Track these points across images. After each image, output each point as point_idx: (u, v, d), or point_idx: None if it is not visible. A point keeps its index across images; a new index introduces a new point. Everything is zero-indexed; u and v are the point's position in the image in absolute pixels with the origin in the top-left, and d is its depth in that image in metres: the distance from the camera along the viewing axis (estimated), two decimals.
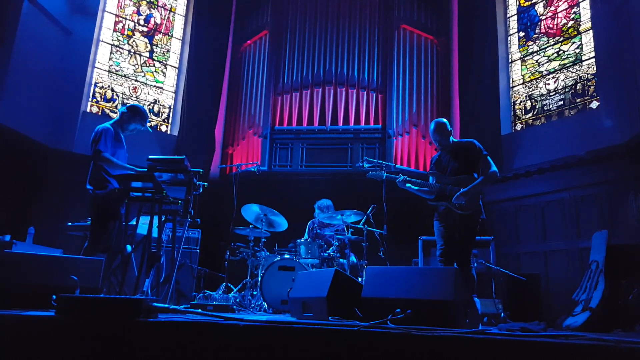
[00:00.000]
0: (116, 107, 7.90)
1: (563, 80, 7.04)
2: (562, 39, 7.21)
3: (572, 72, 6.94)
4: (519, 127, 7.48)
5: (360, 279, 4.76)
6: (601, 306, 4.00)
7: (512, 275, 5.06)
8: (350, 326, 2.01)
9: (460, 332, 1.91)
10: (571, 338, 1.81)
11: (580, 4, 7.03)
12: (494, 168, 3.79)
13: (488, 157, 3.82)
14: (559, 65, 7.15)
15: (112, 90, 8.00)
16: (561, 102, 6.99)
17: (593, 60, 6.64)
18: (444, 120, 4.03)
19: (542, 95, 7.27)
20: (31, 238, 5.38)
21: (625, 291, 4.02)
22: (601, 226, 5.35)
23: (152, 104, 8.36)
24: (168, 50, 8.76)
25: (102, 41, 7.97)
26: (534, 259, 6.48)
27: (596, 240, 4.72)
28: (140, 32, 8.50)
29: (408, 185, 3.91)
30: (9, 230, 4.93)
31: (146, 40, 8.54)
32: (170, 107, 8.57)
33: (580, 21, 7.00)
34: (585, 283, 4.47)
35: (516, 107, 7.60)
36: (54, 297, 2.18)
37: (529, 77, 7.52)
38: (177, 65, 8.77)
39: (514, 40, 7.90)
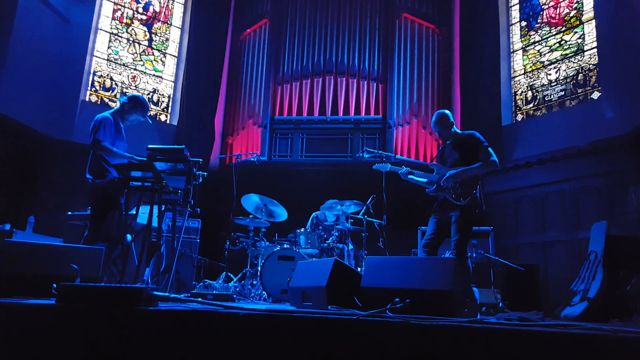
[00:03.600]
0: (115, 96, 7.87)
1: (564, 70, 7.01)
2: (564, 28, 7.16)
3: (574, 63, 6.90)
4: (519, 117, 7.45)
5: (359, 269, 4.78)
6: (599, 296, 4.02)
7: (511, 266, 5.08)
8: (349, 315, 2.02)
9: (458, 321, 1.92)
10: (569, 327, 1.83)
11: None
12: (494, 158, 3.79)
13: (489, 148, 3.82)
14: (561, 55, 7.11)
15: (111, 79, 7.96)
16: (562, 93, 6.96)
17: (595, 50, 6.60)
18: (447, 111, 4.06)
19: (543, 85, 7.24)
20: (31, 227, 5.40)
21: (623, 282, 4.04)
22: (600, 217, 5.34)
23: (151, 93, 8.33)
24: (167, 39, 8.70)
25: (101, 29, 7.92)
26: (533, 249, 6.50)
27: (595, 231, 4.72)
28: (139, 20, 8.44)
29: (410, 176, 4.03)
30: (8, 220, 4.94)
31: (145, 28, 8.48)
32: (169, 97, 8.53)
33: (582, 11, 6.95)
34: (583, 273, 4.48)
35: (517, 97, 7.57)
36: (55, 285, 2.19)
37: (531, 67, 7.48)
38: (176, 54, 8.72)
39: (515, 30, 7.84)
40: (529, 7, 7.70)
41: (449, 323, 1.83)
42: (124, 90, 8.01)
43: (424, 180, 3.98)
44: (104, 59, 7.92)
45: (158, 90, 8.44)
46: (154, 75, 8.42)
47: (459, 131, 4.06)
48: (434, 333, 1.79)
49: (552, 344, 1.63)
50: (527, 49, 7.60)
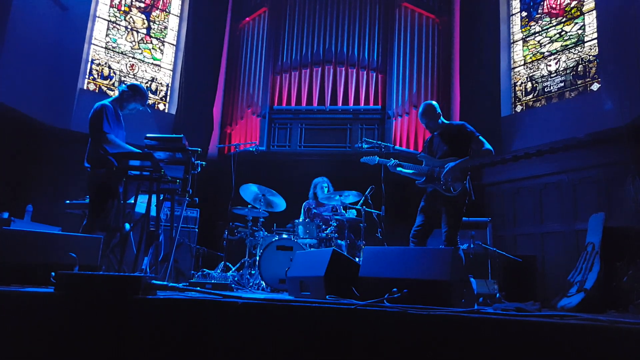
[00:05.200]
0: (113, 84, 7.82)
1: (564, 61, 6.98)
2: (564, 19, 7.12)
3: (574, 54, 6.87)
4: (519, 108, 7.44)
5: (357, 259, 4.79)
6: (596, 287, 4.04)
7: (509, 257, 5.10)
8: (347, 305, 2.03)
9: (455, 311, 1.93)
10: (566, 318, 1.83)
11: None
12: (488, 146, 3.80)
13: (480, 137, 3.82)
14: (561, 46, 7.07)
15: (109, 67, 7.90)
16: (562, 84, 6.94)
17: (595, 41, 6.57)
18: (433, 102, 4.06)
19: (543, 76, 7.21)
20: (29, 216, 5.39)
21: (620, 273, 4.06)
22: (598, 209, 5.36)
23: (149, 82, 8.28)
24: (165, 27, 8.63)
25: (99, 17, 7.85)
26: (531, 240, 6.52)
27: (593, 223, 4.74)
28: (137, 7, 8.36)
29: (399, 169, 4.02)
30: (6, 208, 4.93)
31: (143, 16, 8.40)
32: (168, 85, 8.49)
33: (583, 1, 6.90)
34: (580, 265, 4.51)
35: (517, 88, 7.54)
36: (53, 274, 2.19)
37: (531, 58, 7.45)
38: (174, 43, 8.65)
39: (516, 20, 7.79)
40: None
41: (446, 313, 1.84)
42: (122, 78, 7.97)
43: (413, 172, 3.98)
44: (102, 47, 7.86)
45: (156, 79, 8.39)
46: (152, 63, 8.37)
47: (446, 122, 4.06)
48: (431, 323, 1.80)
49: (548, 334, 1.64)
50: (527, 39, 7.56)
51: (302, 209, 5.93)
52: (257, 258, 4.98)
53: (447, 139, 3.92)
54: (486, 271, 5.11)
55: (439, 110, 3.99)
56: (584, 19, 6.86)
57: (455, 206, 3.74)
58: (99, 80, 7.76)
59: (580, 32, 6.88)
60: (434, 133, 4.06)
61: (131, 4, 8.29)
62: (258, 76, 8.09)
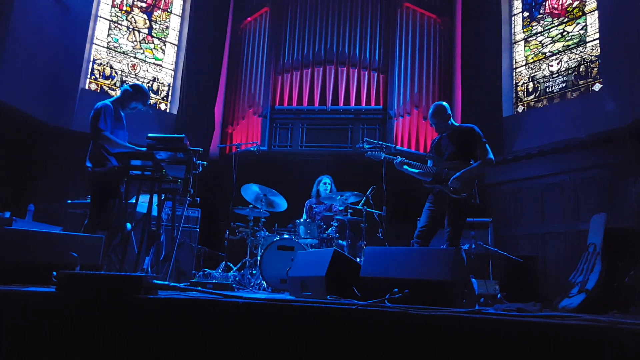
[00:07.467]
0: (115, 84, 7.83)
1: (566, 61, 6.97)
2: (566, 19, 7.11)
3: (576, 54, 6.86)
4: (520, 109, 7.43)
5: (358, 259, 4.79)
6: (597, 288, 4.03)
7: (510, 257, 5.09)
8: (348, 305, 2.03)
9: (456, 311, 1.93)
10: (567, 319, 1.83)
11: None
12: (491, 155, 3.83)
13: (486, 145, 3.84)
14: (563, 46, 7.06)
15: (111, 67, 7.91)
16: (564, 84, 6.93)
17: (597, 41, 6.55)
18: (444, 103, 4.05)
19: (544, 77, 7.20)
20: (31, 215, 5.39)
21: (621, 273, 4.04)
22: (600, 209, 5.35)
23: (151, 82, 8.29)
24: (167, 27, 8.63)
25: (100, 17, 7.86)
26: (532, 241, 6.51)
27: (594, 223, 4.72)
28: (138, 7, 8.37)
29: (405, 167, 3.99)
30: (8, 207, 4.94)
31: (145, 16, 8.41)
32: (169, 85, 8.50)
33: (585, 1, 6.89)
34: (582, 265, 4.49)
35: (518, 88, 7.54)
36: (55, 273, 2.19)
37: (532, 58, 7.44)
38: (176, 43, 8.66)
39: (517, 21, 7.78)
40: None
41: (447, 313, 1.84)
42: (124, 78, 7.98)
43: (419, 171, 3.97)
44: (103, 46, 7.87)
45: (158, 79, 8.40)
46: (153, 63, 8.37)
47: (456, 124, 4.06)
48: (432, 323, 1.79)
49: (550, 335, 1.64)
50: (529, 39, 7.55)
51: (305, 208, 5.93)
52: (258, 258, 4.98)
53: (455, 140, 3.92)
54: (487, 271, 5.11)
55: (450, 112, 3.99)
56: (585, 19, 6.85)
57: (460, 207, 3.75)
58: (100, 80, 7.77)
59: (582, 32, 6.87)
60: (442, 134, 4.05)
61: (133, 3, 8.30)
62: (259, 76, 8.09)
